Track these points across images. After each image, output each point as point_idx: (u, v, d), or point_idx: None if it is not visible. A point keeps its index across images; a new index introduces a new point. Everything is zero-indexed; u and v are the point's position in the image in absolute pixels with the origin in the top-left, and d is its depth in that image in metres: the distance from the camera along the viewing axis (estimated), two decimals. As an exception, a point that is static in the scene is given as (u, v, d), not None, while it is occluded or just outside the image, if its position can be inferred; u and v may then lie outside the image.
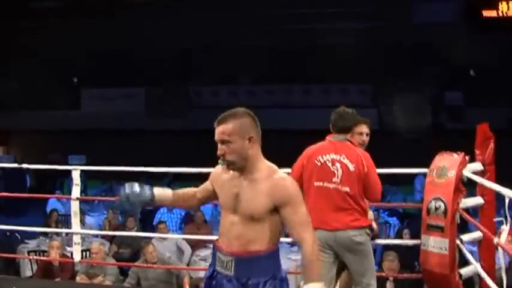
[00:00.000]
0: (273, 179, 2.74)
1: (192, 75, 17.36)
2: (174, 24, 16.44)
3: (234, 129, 2.74)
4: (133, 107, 17.07)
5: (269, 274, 2.74)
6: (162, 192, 3.03)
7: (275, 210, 2.71)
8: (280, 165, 5.10)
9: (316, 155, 4.08)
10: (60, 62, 17.42)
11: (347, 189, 4.00)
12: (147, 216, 11.08)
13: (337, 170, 4.02)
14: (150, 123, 16.25)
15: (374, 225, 4.35)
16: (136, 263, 6.56)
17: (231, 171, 2.81)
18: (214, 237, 6.50)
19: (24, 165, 7.25)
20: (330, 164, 4.04)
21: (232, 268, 2.76)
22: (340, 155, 4.05)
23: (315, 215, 4.04)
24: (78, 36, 16.92)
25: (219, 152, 2.76)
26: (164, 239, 7.52)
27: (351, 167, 4.01)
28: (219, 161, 2.81)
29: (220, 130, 2.76)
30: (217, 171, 2.93)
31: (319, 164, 4.06)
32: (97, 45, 17.17)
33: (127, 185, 3.01)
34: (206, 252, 7.25)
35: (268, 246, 2.73)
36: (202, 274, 6.52)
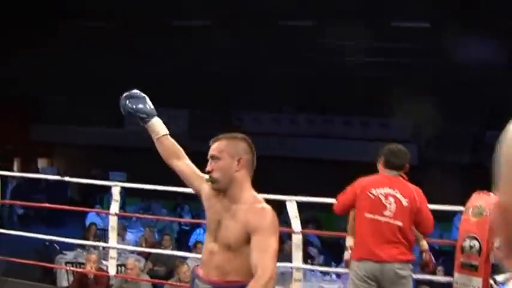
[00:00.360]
0: (252, 207, 2.64)
1: (235, 101, 17.54)
2: (220, 49, 16.67)
3: (225, 147, 2.74)
4: (176, 127, 17.28)
5: None
6: (161, 124, 3.05)
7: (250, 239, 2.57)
8: (316, 194, 5.18)
9: (370, 188, 4.19)
10: (107, 80, 17.78)
11: (399, 223, 4.11)
12: (183, 236, 11.20)
13: (390, 204, 4.13)
14: (192, 145, 16.38)
15: (424, 255, 4.48)
16: (169, 281, 6.65)
17: (220, 197, 2.74)
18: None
19: (67, 178, 7.42)
20: (383, 198, 4.15)
21: None
22: (394, 190, 4.16)
23: (363, 245, 4.16)
24: (125, 56, 17.28)
25: (207, 168, 2.75)
26: (200, 259, 7.58)
27: (404, 202, 4.11)
28: (206, 177, 2.78)
29: (213, 147, 2.78)
30: (209, 190, 2.82)
31: (372, 196, 4.17)
32: (144, 65, 17.47)
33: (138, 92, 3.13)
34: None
35: (250, 278, 2.54)
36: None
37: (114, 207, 5.93)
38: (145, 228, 9.58)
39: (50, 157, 19.96)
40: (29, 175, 9.63)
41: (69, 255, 8.06)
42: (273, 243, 2.54)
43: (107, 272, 6.32)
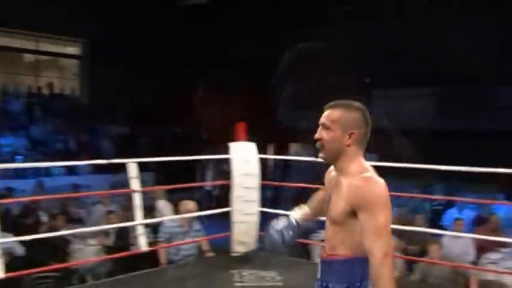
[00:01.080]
0: (354, 179, 2.49)
1: (489, 75, 16.64)
2: (469, 24, 16.00)
3: (339, 118, 2.56)
4: (424, 106, 16.95)
5: (344, 282, 2.55)
6: (303, 213, 3.01)
7: (356, 214, 2.47)
8: None
9: None
10: (354, 62, 18.00)
11: None
12: (435, 216, 11.06)
13: None
14: (442, 123, 15.98)
15: None
16: (421, 259, 6.65)
17: (334, 172, 2.67)
18: (505, 239, 6.30)
19: (319, 159, 7.70)
20: None
21: (319, 272, 2.68)
22: None
23: None
24: (370, 38, 17.37)
25: (315, 135, 2.62)
26: (456, 237, 7.45)
27: None
28: (316, 144, 2.65)
29: (326, 114, 2.61)
30: (329, 171, 2.77)
31: None
32: (388, 47, 17.37)
33: (274, 223, 3.00)
34: (496, 256, 7.04)
35: (353, 253, 2.52)
36: (491, 277, 6.39)
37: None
38: (397, 208, 9.63)
39: (303, 142, 20.74)
40: (287, 157, 10.18)
41: (323, 234, 8.39)
42: (378, 219, 2.38)
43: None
